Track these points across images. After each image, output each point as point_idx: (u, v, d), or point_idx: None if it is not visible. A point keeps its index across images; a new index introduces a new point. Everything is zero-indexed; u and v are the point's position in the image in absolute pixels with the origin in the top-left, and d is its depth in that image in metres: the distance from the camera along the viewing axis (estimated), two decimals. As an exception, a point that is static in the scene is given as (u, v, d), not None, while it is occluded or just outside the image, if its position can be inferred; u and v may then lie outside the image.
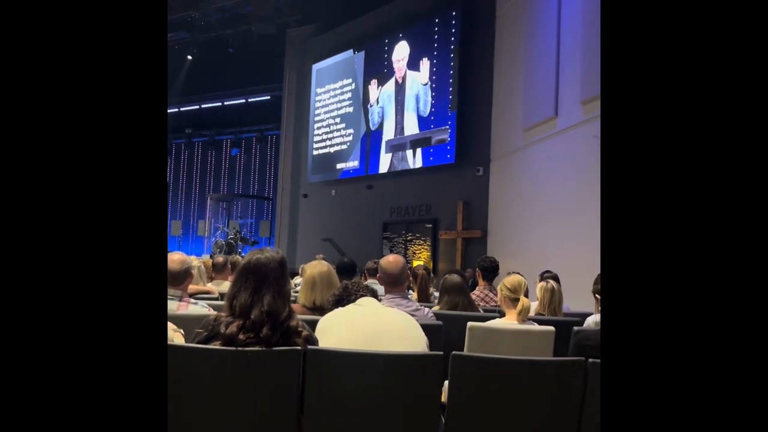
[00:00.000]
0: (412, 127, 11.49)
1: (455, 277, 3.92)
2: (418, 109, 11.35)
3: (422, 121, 11.32)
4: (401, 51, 11.99)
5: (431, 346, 2.33)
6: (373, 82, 12.64)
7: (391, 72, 12.17)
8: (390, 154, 11.98)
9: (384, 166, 12.19)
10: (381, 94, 12.37)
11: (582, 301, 5.24)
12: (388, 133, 12.09)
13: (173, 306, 2.92)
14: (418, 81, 11.42)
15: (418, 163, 11.37)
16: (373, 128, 12.58)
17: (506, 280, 3.28)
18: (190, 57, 15.97)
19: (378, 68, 12.56)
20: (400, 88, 11.86)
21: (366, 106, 12.85)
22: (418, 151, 11.33)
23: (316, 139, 14.34)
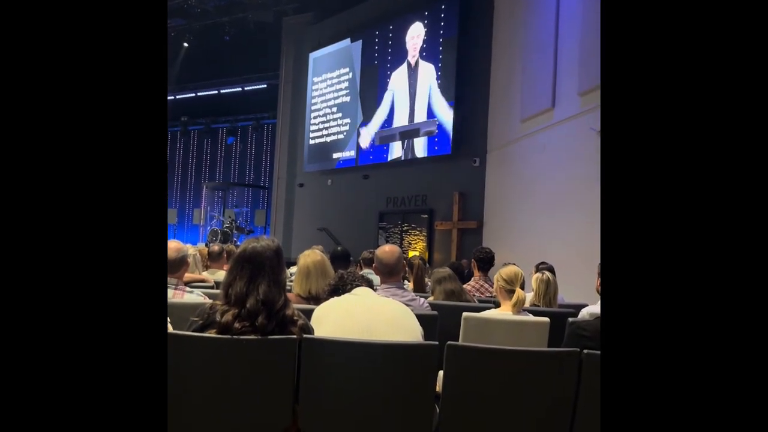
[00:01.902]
0: (421, 115, 11.28)
1: (445, 268, 4.11)
2: (430, 96, 11.10)
3: (430, 110, 11.10)
4: (416, 29, 11.63)
5: (426, 336, 2.34)
6: (377, 69, 12.46)
7: (398, 59, 11.97)
8: (399, 142, 11.81)
9: (393, 154, 12.01)
10: (389, 81, 12.14)
11: (577, 292, 5.26)
12: (399, 120, 11.89)
13: (169, 294, 2.92)
14: (431, 68, 11.18)
15: (421, 152, 11.27)
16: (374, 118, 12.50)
17: (503, 271, 3.28)
18: (186, 44, 15.86)
19: (376, 57, 12.49)
20: (413, 72, 11.63)
21: (363, 95, 12.78)
22: (422, 140, 11.21)
23: (312, 128, 14.29)
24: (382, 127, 12.21)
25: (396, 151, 11.89)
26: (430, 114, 11.05)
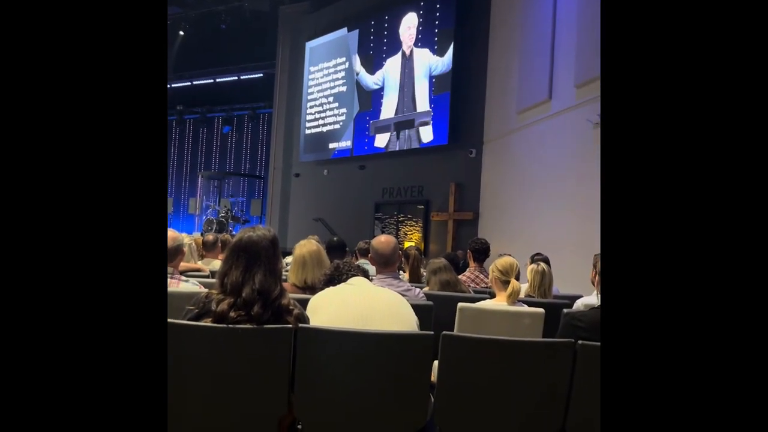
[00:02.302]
0: (423, 104, 11.25)
1: (440, 259, 4.12)
2: (431, 84, 11.06)
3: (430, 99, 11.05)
4: (409, 20, 11.63)
5: (422, 326, 2.34)
6: (373, 58, 12.43)
7: (393, 49, 11.94)
8: (392, 133, 11.80)
9: (382, 142, 12.01)
10: (385, 72, 12.13)
11: (572, 283, 5.28)
12: (392, 111, 11.88)
13: (164, 283, 2.92)
14: (428, 56, 11.15)
15: (416, 143, 11.27)
16: (370, 108, 12.47)
17: (498, 262, 3.29)
18: (181, 33, 15.76)
19: (372, 47, 12.45)
20: (407, 61, 11.62)
21: (360, 84, 12.74)
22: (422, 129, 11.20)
23: (308, 118, 14.25)
24: (375, 117, 12.20)
25: (383, 140, 11.89)
26: (425, 104, 11.03)
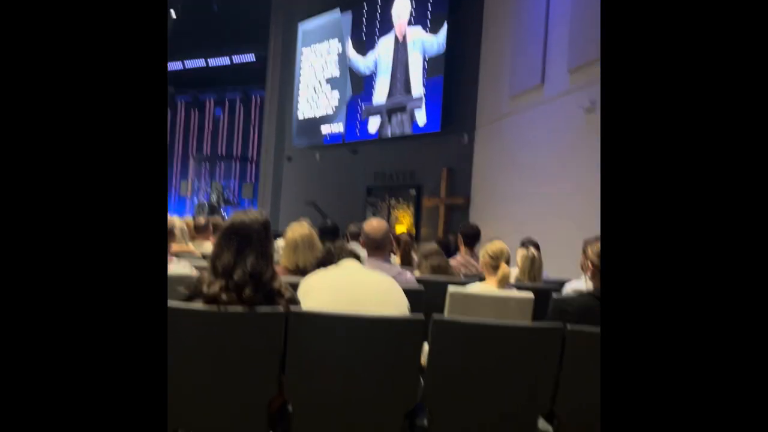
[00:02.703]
0: (415, 88, 11.17)
1: (432, 244, 4.21)
2: (425, 68, 10.97)
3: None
4: (401, 6, 11.55)
5: (412, 310, 2.36)
6: (365, 42, 12.34)
7: (386, 32, 11.85)
8: (383, 118, 11.76)
9: (374, 127, 11.97)
10: (377, 55, 12.05)
11: (562, 268, 5.32)
12: (381, 95, 11.83)
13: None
14: (421, 34, 11.05)
15: (409, 129, 11.23)
16: (362, 92, 12.40)
17: (488, 247, 3.31)
18: (173, 12, 15.57)
19: (365, 30, 12.36)
20: (401, 46, 11.55)
21: (352, 68, 12.67)
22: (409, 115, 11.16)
23: (301, 101, 14.17)
24: (367, 100, 12.14)
25: (374, 124, 11.86)
26: (418, 89, 10.98)
